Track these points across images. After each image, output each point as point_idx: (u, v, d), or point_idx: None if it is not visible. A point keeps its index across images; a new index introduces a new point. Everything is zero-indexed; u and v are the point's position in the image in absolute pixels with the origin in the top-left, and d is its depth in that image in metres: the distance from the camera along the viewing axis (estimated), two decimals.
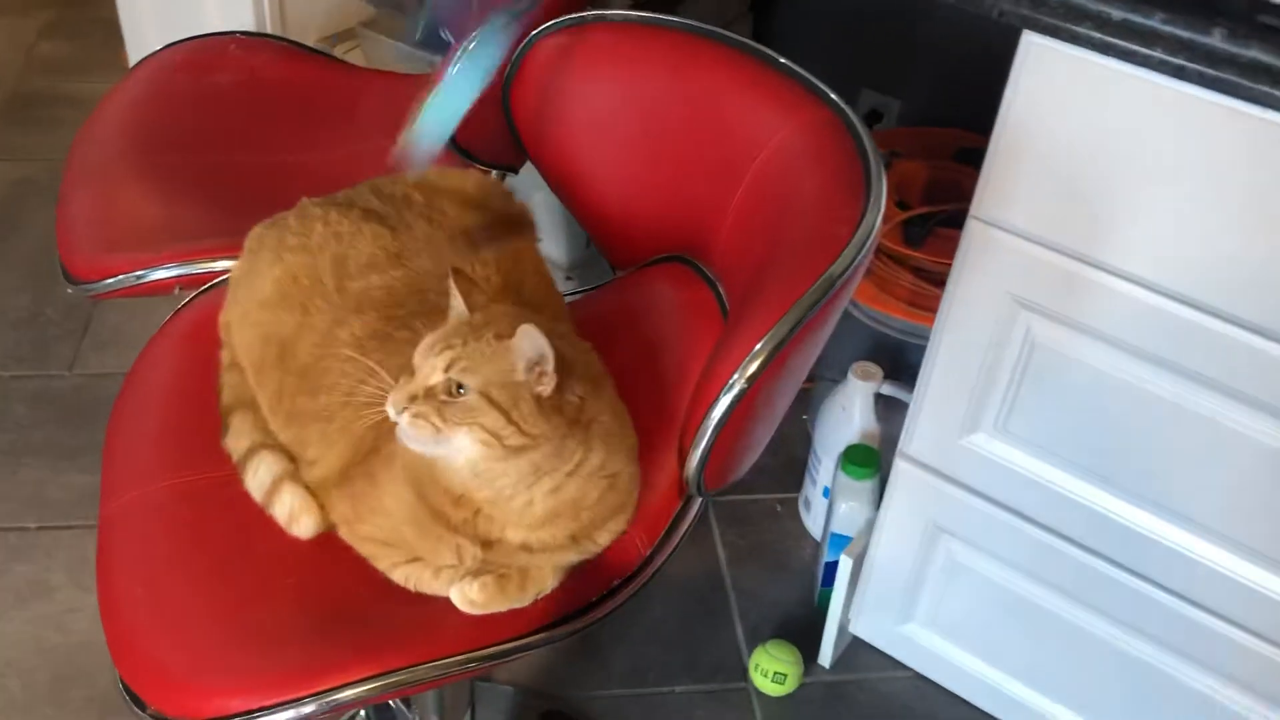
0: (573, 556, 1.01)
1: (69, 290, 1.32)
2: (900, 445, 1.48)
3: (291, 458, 1.08)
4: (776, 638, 1.73)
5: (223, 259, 1.29)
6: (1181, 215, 1.12)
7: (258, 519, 1.05)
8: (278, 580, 1.01)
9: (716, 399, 0.89)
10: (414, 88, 1.55)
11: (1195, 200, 1.10)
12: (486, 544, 0.97)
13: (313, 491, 1.06)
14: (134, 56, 2.27)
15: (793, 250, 0.94)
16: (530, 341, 0.88)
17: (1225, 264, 1.11)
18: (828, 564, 1.75)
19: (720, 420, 0.89)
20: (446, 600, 0.99)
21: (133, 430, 1.14)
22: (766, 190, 1.05)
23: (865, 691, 1.73)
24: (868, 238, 0.91)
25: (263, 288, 1.12)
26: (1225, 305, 1.13)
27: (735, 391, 0.88)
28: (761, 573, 1.89)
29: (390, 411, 0.90)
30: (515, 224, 1.16)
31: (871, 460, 1.66)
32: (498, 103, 1.27)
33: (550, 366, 0.89)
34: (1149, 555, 1.31)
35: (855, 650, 1.77)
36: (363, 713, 1.60)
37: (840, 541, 1.70)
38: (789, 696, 1.70)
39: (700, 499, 1.06)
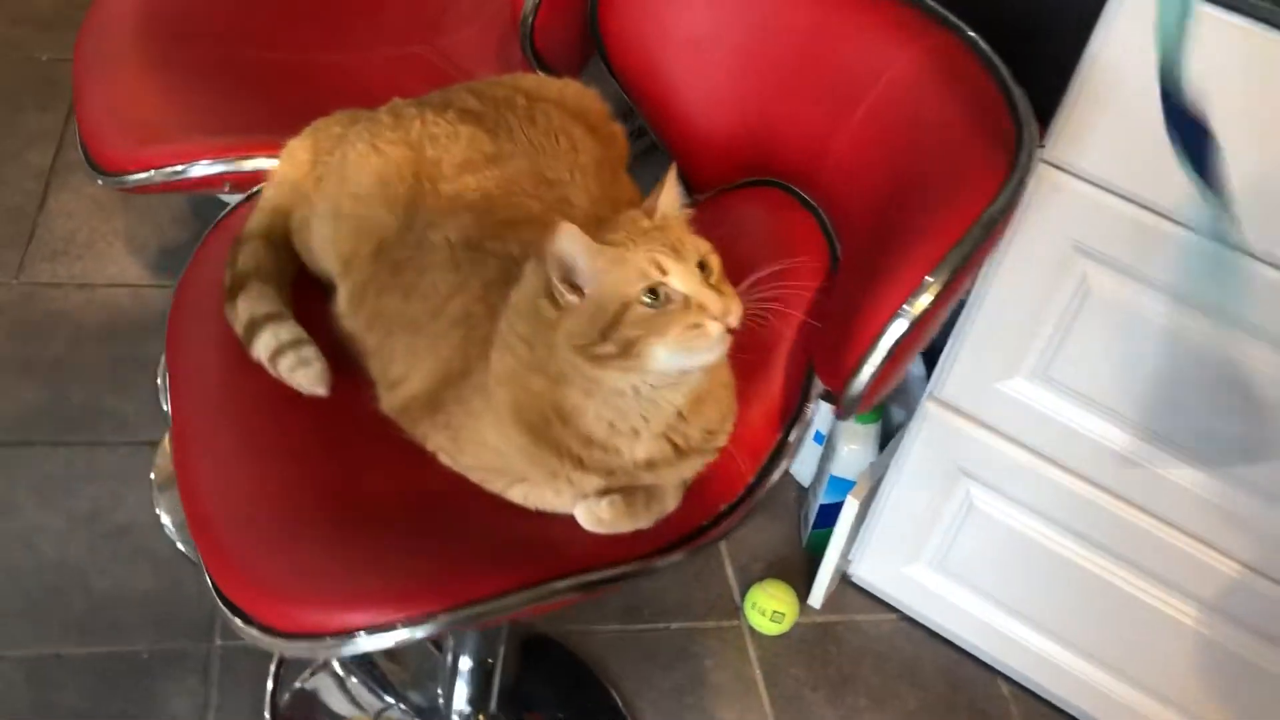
0: (691, 469, 0.99)
1: (99, 182, 1.22)
2: (930, 388, 1.49)
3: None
4: (770, 578, 1.74)
5: (273, 157, 1.20)
6: (1270, 169, 1.14)
7: (349, 427, 1.00)
8: (382, 488, 0.96)
9: (885, 326, 0.87)
10: None
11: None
12: (609, 473, 0.94)
13: (396, 416, 1.01)
14: None
15: (943, 181, 0.93)
16: None
17: None
18: (823, 506, 1.76)
19: (891, 348, 0.88)
20: (565, 518, 0.96)
21: (195, 343, 1.07)
22: (891, 117, 1.04)
23: (855, 633, 1.76)
24: (1027, 167, 0.90)
25: (358, 179, 1.06)
26: None
27: (907, 320, 0.87)
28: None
29: (715, 334, 0.86)
30: (610, 143, 1.12)
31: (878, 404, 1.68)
32: (582, 15, 1.22)
33: None
34: (1186, 508, 1.35)
35: (842, 591, 1.80)
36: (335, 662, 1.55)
37: (840, 484, 1.71)
38: (784, 635, 1.72)
39: (805, 426, 1.05)
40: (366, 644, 0.87)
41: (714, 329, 0.85)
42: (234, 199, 1.20)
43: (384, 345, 1.03)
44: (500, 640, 1.33)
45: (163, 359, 1.65)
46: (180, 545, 1.64)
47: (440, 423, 0.99)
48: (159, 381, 1.74)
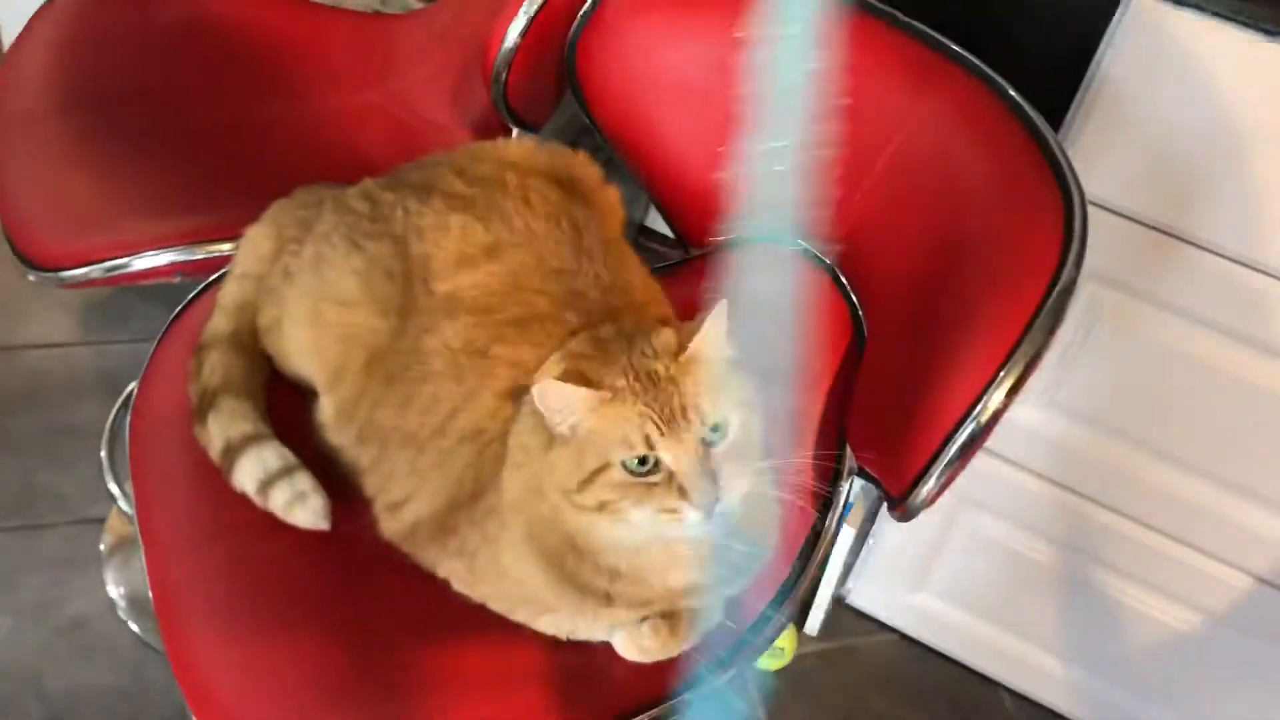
0: (739, 586, 0.91)
1: (30, 278, 1.09)
2: None
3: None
4: None
5: (225, 241, 1.09)
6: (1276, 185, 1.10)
7: (346, 554, 0.90)
8: (390, 625, 0.87)
9: (956, 431, 0.80)
10: (389, 32, 1.37)
11: None
12: (644, 604, 0.86)
13: (400, 541, 0.92)
14: None
15: (993, 248, 0.85)
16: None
17: None
18: None
19: (959, 452, 0.80)
20: (605, 648, 0.88)
21: (162, 466, 0.96)
22: (917, 171, 0.96)
23: (855, 658, 1.72)
24: (1084, 227, 0.83)
25: (339, 282, 0.95)
26: None
27: (980, 423, 0.79)
28: None
29: (692, 521, 0.77)
30: (609, 215, 1.02)
31: None
32: (556, 57, 1.12)
33: None
34: (1196, 525, 1.33)
35: (839, 616, 1.75)
36: None
37: None
38: (784, 669, 1.67)
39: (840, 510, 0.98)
40: None
41: (690, 519, 0.77)
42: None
43: (380, 463, 0.93)
44: None
45: (107, 425, 1.55)
46: (136, 628, 1.52)
47: (452, 549, 0.90)
48: (101, 454, 1.61)
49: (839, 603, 1.76)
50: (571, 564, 0.83)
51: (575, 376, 0.79)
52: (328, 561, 0.91)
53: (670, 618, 0.87)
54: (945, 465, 0.81)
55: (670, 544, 0.82)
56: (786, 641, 1.65)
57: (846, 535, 1.61)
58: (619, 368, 0.79)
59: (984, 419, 0.79)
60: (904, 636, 1.74)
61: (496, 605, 0.90)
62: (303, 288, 0.98)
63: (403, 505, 0.92)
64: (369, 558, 0.92)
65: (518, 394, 0.86)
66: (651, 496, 0.77)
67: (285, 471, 0.93)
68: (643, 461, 0.76)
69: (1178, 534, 1.37)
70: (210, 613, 0.86)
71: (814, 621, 1.72)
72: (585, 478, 0.78)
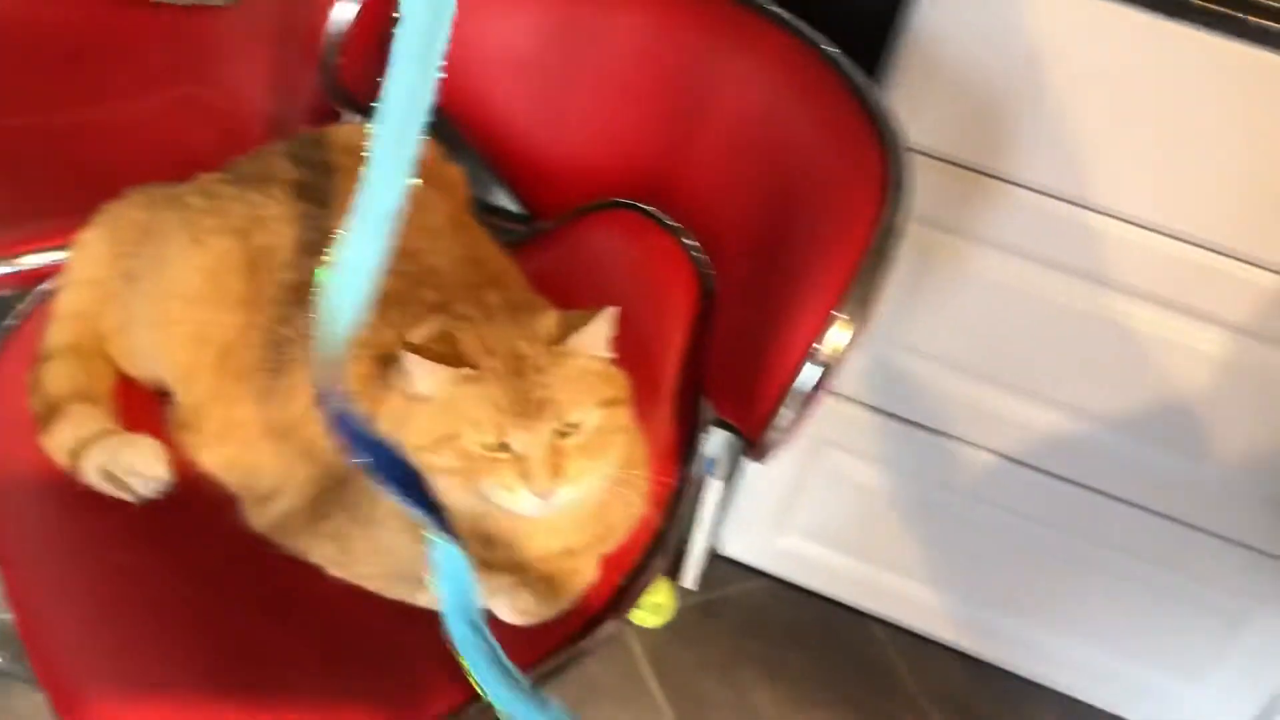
0: (615, 543, 0.93)
1: None
2: None
3: None
4: None
5: (57, 249, 1.06)
6: (1087, 123, 1.17)
7: (225, 552, 0.89)
8: (266, 618, 0.86)
9: (799, 368, 0.84)
10: (210, 25, 1.34)
11: (1103, 107, 1.16)
12: (521, 568, 0.88)
13: (270, 532, 0.92)
14: None
15: (819, 195, 0.89)
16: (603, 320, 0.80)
17: (1132, 168, 1.18)
18: None
19: (808, 392, 0.85)
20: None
21: (10, 484, 0.93)
22: (745, 128, 0.99)
23: (732, 605, 1.77)
24: (905, 168, 0.88)
25: (184, 279, 0.94)
26: (1129, 209, 1.20)
27: (821, 361, 0.83)
28: None
29: (528, 503, 0.79)
30: (453, 191, 1.03)
31: None
32: (385, 39, 1.11)
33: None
34: (1035, 446, 1.41)
35: (714, 568, 1.80)
36: None
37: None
38: (664, 624, 1.71)
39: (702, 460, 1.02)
40: None
41: (522, 499, 0.80)
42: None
43: (243, 457, 0.93)
44: None
45: None
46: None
47: (326, 533, 0.90)
48: None
49: (713, 555, 1.81)
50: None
51: (443, 347, 0.80)
52: (195, 562, 0.90)
53: (546, 580, 0.89)
54: (794, 404, 0.86)
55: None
56: (666, 597, 1.70)
57: (715, 490, 1.65)
58: (486, 345, 0.81)
59: (824, 358, 0.84)
60: (776, 580, 1.80)
61: (373, 585, 0.91)
62: (147, 289, 0.96)
63: (271, 497, 0.92)
64: (238, 554, 0.91)
65: (388, 362, 0.86)
66: (494, 471, 0.79)
67: (126, 444, 0.91)
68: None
69: (1019, 456, 1.45)
70: (80, 630, 0.84)
71: (690, 576, 1.76)
72: (436, 440, 0.80)
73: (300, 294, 0.92)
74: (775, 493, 1.63)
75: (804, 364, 0.84)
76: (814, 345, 0.83)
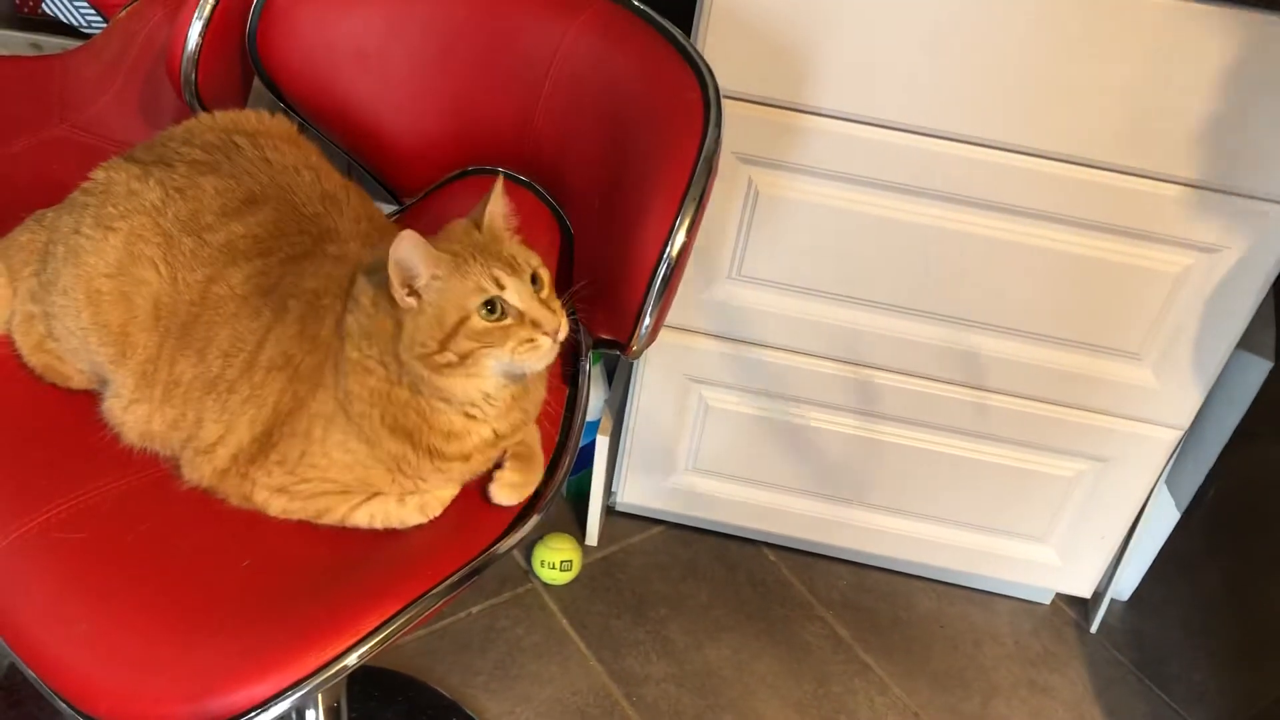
0: (531, 429, 1.06)
1: None
2: None
3: None
4: (548, 534, 1.84)
5: None
6: (871, 49, 1.35)
7: (171, 516, 0.98)
8: (225, 570, 0.95)
9: (655, 272, 0.98)
10: (60, 68, 1.42)
11: (881, 33, 1.34)
12: (466, 457, 0.99)
13: (216, 480, 1.00)
14: None
15: (650, 134, 1.04)
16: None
17: (919, 85, 1.36)
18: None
19: (662, 289, 0.99)
20: (409, 534, 1.00)
21: None
22: (577, 84, 1.13)
23: (634, 554, 1.90)
24: (718, 96, 1.03)
25: (103, 259, 1.01)
26: (926, 122, 1.38)
27: (670, 263, 0.98)
28: None
29: (546, 348, 0.92)
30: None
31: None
32: (238, 49, 1.22)
33: None
34: (879, 350, 1.58)
35: (612, 523, 1.93)
36: None
37: (586, 427, 1.83)
38: (575, 581, 1.83)
39: (588, 377, 1.15)
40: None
41: (545, 344, 0.92)
42: None
43: (187, 414, 1.00)
44: (343, 685, 1.34)
45: None
46: None
47: (274, 461, 0.98)
48: None
49: (610, 511, 1.94)
50: (425, 434, 0.96)
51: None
52: (145, 523, 0.97)
53: (517, 458, 1.02)
54: (655, 300, 1.00)
55: (495, 395, 0.96)
56: (573, 555, 1.81)
57: (602, 445, 1.78)
58: (447, 241, 0.93)
59: (674, 255, 0.99)
60: (671, 525, 1.94)
61: (316, 505, 0.99)
62: (65, 284, 1.03)
63: (217, 444, 0.99)
64: (184, 514, 0.99)
65: (351, 282, 0.96)
66: (509, 335, 0.91)
67: None
68: (492, 309, 0.91)
69: (858, 359, 1.62)
70: (45, 603, 0.91)
71: (592, 533, 1.89)
72: (448, 333, 0.91)
73: (230, 252, 1.02)
74: (658, 441, 1.76)
75: (660, 265, 0.98)
76: (664, 248, 0.98)
